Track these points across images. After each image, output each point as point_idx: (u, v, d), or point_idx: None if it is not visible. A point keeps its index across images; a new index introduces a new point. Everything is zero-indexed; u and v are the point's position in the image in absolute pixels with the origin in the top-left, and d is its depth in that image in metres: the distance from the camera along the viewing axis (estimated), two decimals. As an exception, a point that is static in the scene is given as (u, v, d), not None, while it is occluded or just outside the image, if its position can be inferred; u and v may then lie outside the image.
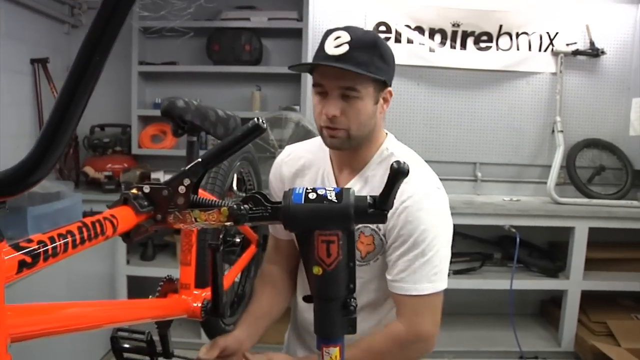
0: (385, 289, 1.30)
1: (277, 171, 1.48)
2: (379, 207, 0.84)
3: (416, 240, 1.22)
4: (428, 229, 1.22)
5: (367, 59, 1.18)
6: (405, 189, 1.20)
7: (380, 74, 1.21)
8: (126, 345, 1.06)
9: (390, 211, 1.20)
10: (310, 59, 3.36)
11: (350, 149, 1.29)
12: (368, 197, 0.85)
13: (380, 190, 1.21)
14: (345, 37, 1.18)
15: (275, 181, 1.48)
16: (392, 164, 0.81)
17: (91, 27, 0.57)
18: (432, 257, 1.22)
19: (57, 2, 3.49)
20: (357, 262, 0.97)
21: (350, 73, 1.17)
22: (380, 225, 1.27)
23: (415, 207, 1.23)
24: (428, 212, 1.23)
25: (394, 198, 0.84)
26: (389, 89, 1.29)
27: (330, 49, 1.19)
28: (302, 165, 1.43)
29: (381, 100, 1.28)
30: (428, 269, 1.22)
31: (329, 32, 1.22)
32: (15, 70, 3.14)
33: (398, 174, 0.81)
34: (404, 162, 0.81)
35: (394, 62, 1.27)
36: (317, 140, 1.38)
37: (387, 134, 1.38)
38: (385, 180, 1.20)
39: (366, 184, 1.32)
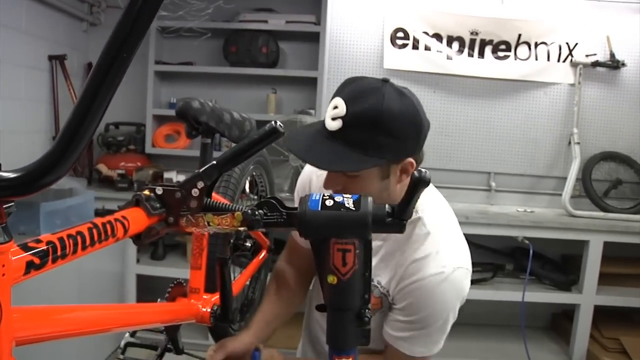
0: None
1: (306, 179, 1.40)
2: (398, 216, 0.81)
3: (423, 317, 1.15)
4: (439, 310, 1.15)
5: (365, 137, 1.04)
6: (425, 265, 1.15)
7: (384, 152, 1.06)
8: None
9: (403, 285, 1.17)
10: (327, 65, 3.43)
11: None
12: (387, 206, 0.82)
13: (401, 265, 1.20)
14: (342, 109, 1.04)
15: (301, 189, 1.42)
16: (413, 173, 0.78)
17: (119, 22, 0.55)
18: (436, 330, 1.17)
19: (76, 0, 3.50)
20: None
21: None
22: (390, 291, 1.22)
23: (430, 289, 1.13)
24: (443, 295, 1.14)
25: (414, 207, 0.81)
26: (410, 160, 1.11)
27: (328, 120, 1.07)
28: None
29: (398, 172, 1.13)
30: (428, 340, 1.17)
31: (335, 93, 1.09)
32: (32, 67, 3.15)
33: (419, 182, 0.78)
34: (426, 171, 0.78)
35: (415, 131, 1.08)
36: None
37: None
38: (408, 256, 1.18)
39: (382, 248, 1.25)
